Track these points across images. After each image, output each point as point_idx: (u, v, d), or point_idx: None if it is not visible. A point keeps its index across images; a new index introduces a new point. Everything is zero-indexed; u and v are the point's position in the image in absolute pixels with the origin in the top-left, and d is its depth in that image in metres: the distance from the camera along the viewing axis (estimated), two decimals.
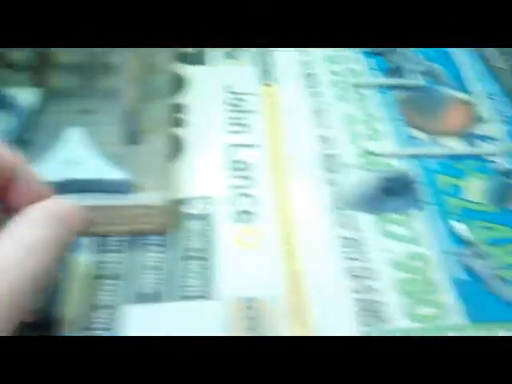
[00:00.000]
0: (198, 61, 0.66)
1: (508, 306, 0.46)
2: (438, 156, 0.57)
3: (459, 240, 0.50)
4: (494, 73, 0.68)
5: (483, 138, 0.60)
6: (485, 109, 0.63)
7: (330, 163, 0.55)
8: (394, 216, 0.52)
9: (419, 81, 0.65)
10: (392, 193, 0.52)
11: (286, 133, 0.58)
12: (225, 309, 0.44)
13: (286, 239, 0.49)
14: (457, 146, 0.59)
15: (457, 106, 0.63)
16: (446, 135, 0.60)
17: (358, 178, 0.52)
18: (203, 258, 0.47)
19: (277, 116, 0.60)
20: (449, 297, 0.46)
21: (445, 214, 0.52)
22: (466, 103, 0.64)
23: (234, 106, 0.61)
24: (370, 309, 0.45)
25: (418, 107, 0.63)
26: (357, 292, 0.46)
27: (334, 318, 0.44)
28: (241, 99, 0.62)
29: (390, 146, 0.58)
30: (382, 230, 0.50)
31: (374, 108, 0.62)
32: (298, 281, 0.46)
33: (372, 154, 0.57)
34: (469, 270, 0.48)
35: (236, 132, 0.58)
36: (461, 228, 0.50)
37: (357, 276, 0.47)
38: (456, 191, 0.54)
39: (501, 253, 0.50)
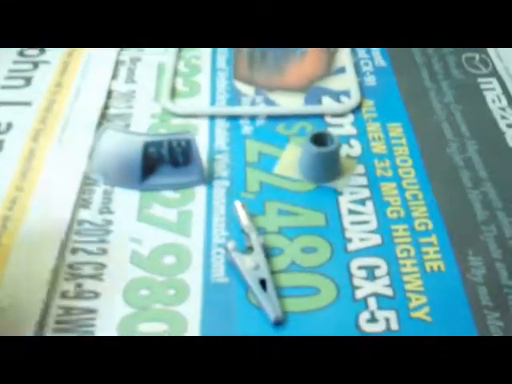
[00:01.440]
0: None
1: (266, 322, 0.32)
2: (259, 116, 0.43)
3: (238, 229, 0.36)
4: None
5: (333, 93, 0.45)
6: (348, 57, 0.48)
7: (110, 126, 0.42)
8: (165, 194, 0.38)
9: None
10: (169, 164, 0.39)
11: (73, 89, 0.45)
12: None
13: (3, 224, 0.36)
14: (292, 103, 0.44)
15: (310, 54, 0.49)
16: (283, 90, 0.45)
17: (124, 146, 0.38)
18: None
19: (72, 68, 0.47)
20: (191, 307, 0.33)
21: (236, 192, 0.38)
22: (325, 50, 0.49)
23: (26, 56, 0.49)
24: (70, 320, 0.32)
25: (255, 55, 0.48)
26: (64, 297, 0.33)
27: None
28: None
29: (199, 104, 0.44)
30: (141, 213, 0.37)
31: (199, 57, 0.49)
32: None
33: (170, 113, 0.44)
34: (234, 272, 0.34)
35: (12, 87, 0.46)
36: (241, 213, 0.36)
37: (75, 275, 0.34)
38: (265, 162, 0.40)
39: (293, 248, 0.36)
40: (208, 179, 0.39)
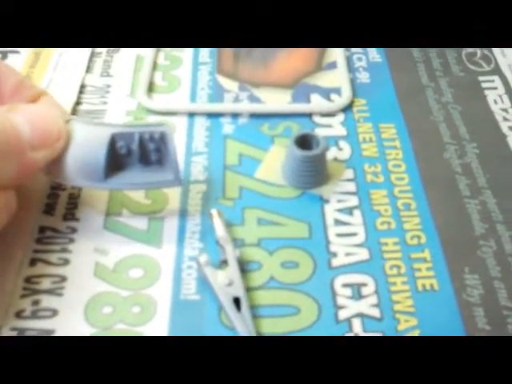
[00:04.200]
0: None
1: None
2: (242, 114, 0.40)
3: (213, 241, 0.33)
4: None
5: (322, 90, 0.42)
6: (340, 51, 0.45)
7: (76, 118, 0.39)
8: (135, 199, 0.35)
9: None
10: (139, 161, 0.35)
11: (44, 81, 0.42)
12: None
13: None
14: (278, 101, 0.41)
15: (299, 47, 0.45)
16: (269, 86, 0.42)
17: (88, 138, 0.34)
18: None
19: (44, 59, 0.44)
20: (158, 328, 0.30)
21: (213, 198, 0.35)
22: None
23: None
24: None
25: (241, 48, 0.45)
26: (19, 317, 0.30)
27: None
28: None
29: (178, 101, 0.41)
30: (108, 220, 0.34)
31: (181, 49, 0.45)
32: None
33: (146, 110, 0.40)
34: (206, 289, 0.31)
35: None
36: (217, 223, 0.33)
37: (32, 290, 0.31)
38: (247, 165, 0.37)
39: (272, 262, 0.32)
40: (182, 180, 0.35)
